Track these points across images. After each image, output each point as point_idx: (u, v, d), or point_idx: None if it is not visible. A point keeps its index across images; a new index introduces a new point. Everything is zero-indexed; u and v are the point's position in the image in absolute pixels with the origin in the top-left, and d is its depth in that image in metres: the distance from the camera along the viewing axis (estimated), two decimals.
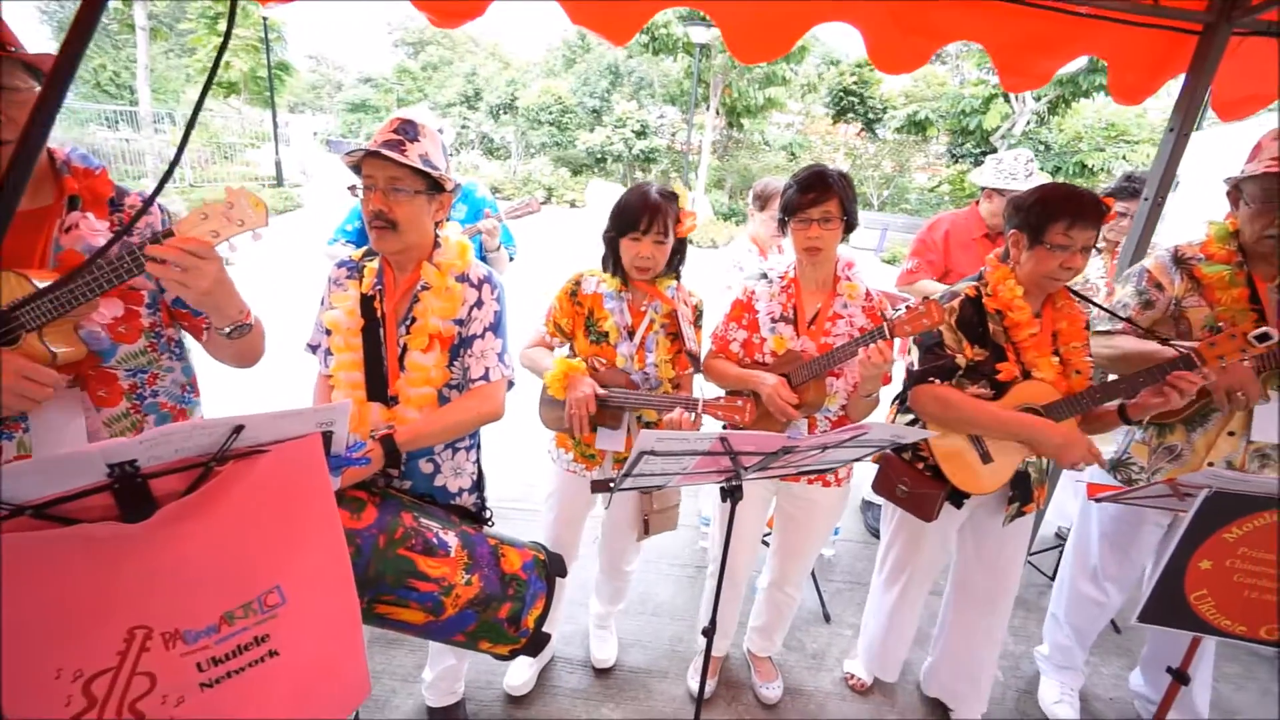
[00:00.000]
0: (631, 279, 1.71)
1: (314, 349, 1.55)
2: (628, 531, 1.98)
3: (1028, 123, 14.92)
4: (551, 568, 1.49)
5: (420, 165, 1.33)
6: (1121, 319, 1.75)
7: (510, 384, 1.52)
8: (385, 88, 30.11)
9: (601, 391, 1.64)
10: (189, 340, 1.41)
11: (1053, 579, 2.93)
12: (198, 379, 1.43)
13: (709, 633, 1.36)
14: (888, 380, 1.73)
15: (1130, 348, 1.72)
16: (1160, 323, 1.76)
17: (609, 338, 1.72)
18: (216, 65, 0.70)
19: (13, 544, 0.76)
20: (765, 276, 1.80)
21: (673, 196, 1.66)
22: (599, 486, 1.20)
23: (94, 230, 1.19)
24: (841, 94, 20.11)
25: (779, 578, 2.03)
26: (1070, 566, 2.12)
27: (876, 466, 1.83)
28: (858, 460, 1.34)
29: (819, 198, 1.61)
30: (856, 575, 2.87)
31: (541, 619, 1.43)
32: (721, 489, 1.22)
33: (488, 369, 1.44)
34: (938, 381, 1.60)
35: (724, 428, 1.56)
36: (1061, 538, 3.14)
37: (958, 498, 1.72)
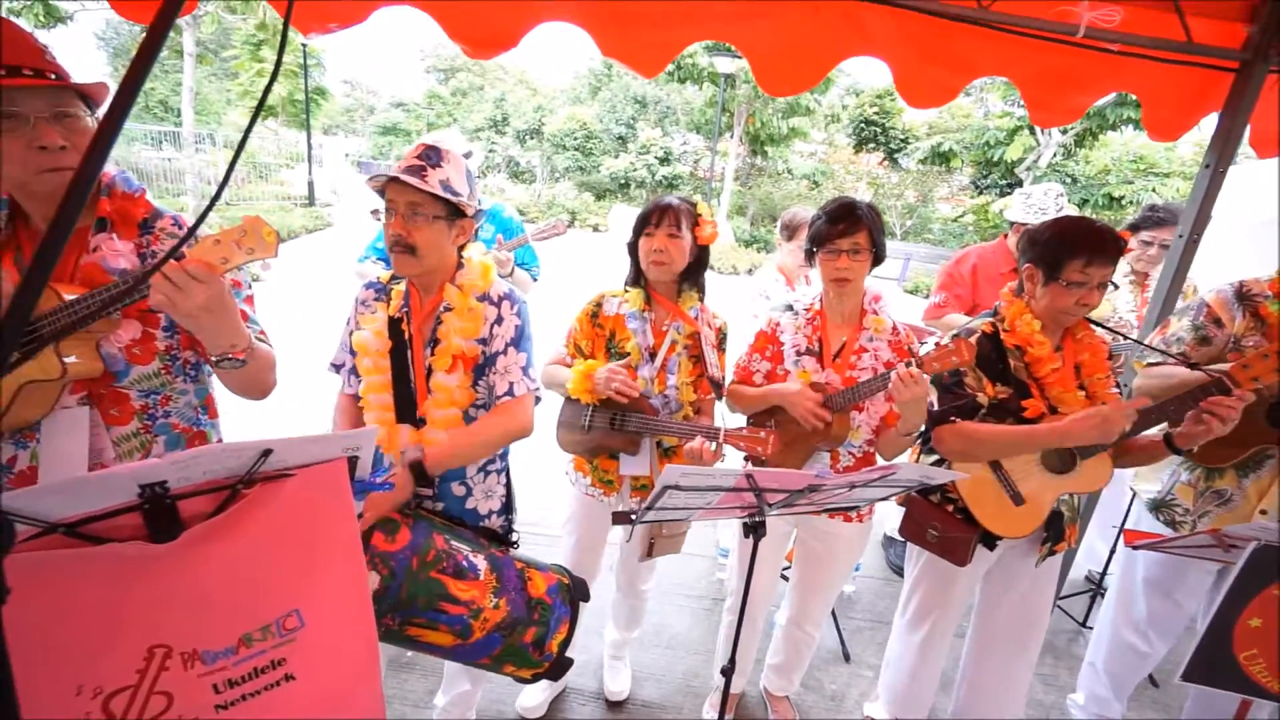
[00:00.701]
0: (653, 294, 1.72)
1: (337, 368, 1.56)
2: (639, 550, 1.96)
3: (1054, 155, 14.84)
4: (575, 592, 1.47)
5: (440, 191, 1.34)
6: (1173, 356, 1.68)
7: (538, 399, 1.52)
8: (416, 112, 30.97)
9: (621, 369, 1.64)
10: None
11: (1083, 624, 2.82)
12: (215, 400, 1.45)
13: (727, 672, 1.32)
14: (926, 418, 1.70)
15: (1185, 376, 1.65)
16: (1216, 361, 1.69)
17: (630, 359, 1.72)
18: (265, 95, 0.72)
19: (43, 561, 0.77)
20: (790, 308, 1.79)
21: (691, 202, 1.70)
22: (620, 518, 1.19)
23: (115, 252, 1.21)
24: (864, 124, 20.23)
25: (798, 614, 1.98)
26: (1112, 611, 2.03)
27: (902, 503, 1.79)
28: (883, 499, 1.31)
29: (849, 229, 1.61)
30: (878, 614, 2.79)
31: (565, 644, 1.40)
32: (744, 524, 1.19)
33: (512, 384, 1.43)
34: (959, 421, 1.57)
35: (745, 459, 1.54)
36: (1092, 581, 3.03)
37: (990, 540, 1.67)
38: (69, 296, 1.12)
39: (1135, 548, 1.42)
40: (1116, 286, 1.77)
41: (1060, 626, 2.82)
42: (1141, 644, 1.95)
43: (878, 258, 1.66)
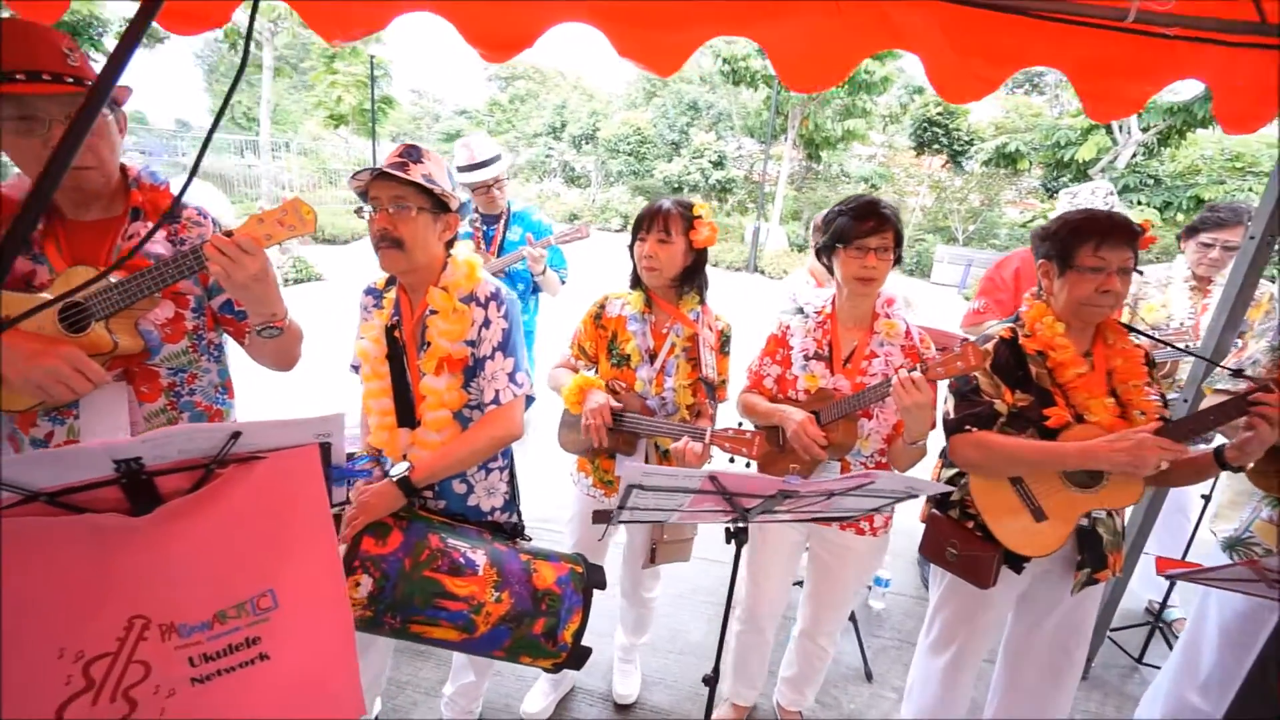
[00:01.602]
0: (654, 296, 1.71)
1: (356, 369, 1.62)
2: (642, 558, 1.93)
3: (1133, 155, 13.85)
4: (589, 579, 1.46)
5: (422, 182, 1.35)
6: (1247, 378, 1.50)
7: (530, 399, 1.52)
8: (477, 119, 31.94)
9: (616, 405, 1.62)
10: (228, 347, 1.52)
11: (1139, 660, 2.60)
12: (233, 383, 1.53)
13: (710, 681, 1.28)
14: (934, 425, 1.61)
15: None
16: None
17: (630, 361, 1.70)
18: (230, 95, 0.75)
19: (28, 526, 0.82)
20: (801, 310, 1.73)
21: (686, 205, 1.67)
22: (600, 517, 1.17)
23: (153, 239, 1.31)
24: (926, 125, 19.49)
25: (810, 627, 1.91)
26: (1175, 669, 1.82)
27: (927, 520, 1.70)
28: (874, 510, 1.24)
29: (877, 226, 1.55)
30: (907, 633, 2.66)
31: (579, 633, 1.40)
32: (727, 530, 1.15)
33: (498, 391, 1.44)
34: (975, 430, 1.47)
35: (730, 461, 1.50)
36: (1151, 613, 2.79)
37: (1016, 561, 1.56)
38: (114, 279, 1.20)
39: (1167, 576, 1.29)
40: (1141, 273, 1.63)
41: (1113, 661, 2.62)
42: (1205, 706, 1.73)
43: (897, 259, 1.59)
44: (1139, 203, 13.86)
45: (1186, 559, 2.59)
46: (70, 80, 1.15)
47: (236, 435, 0.88)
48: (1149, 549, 2.39)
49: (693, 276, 1.74)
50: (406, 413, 1.48)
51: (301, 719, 1.01)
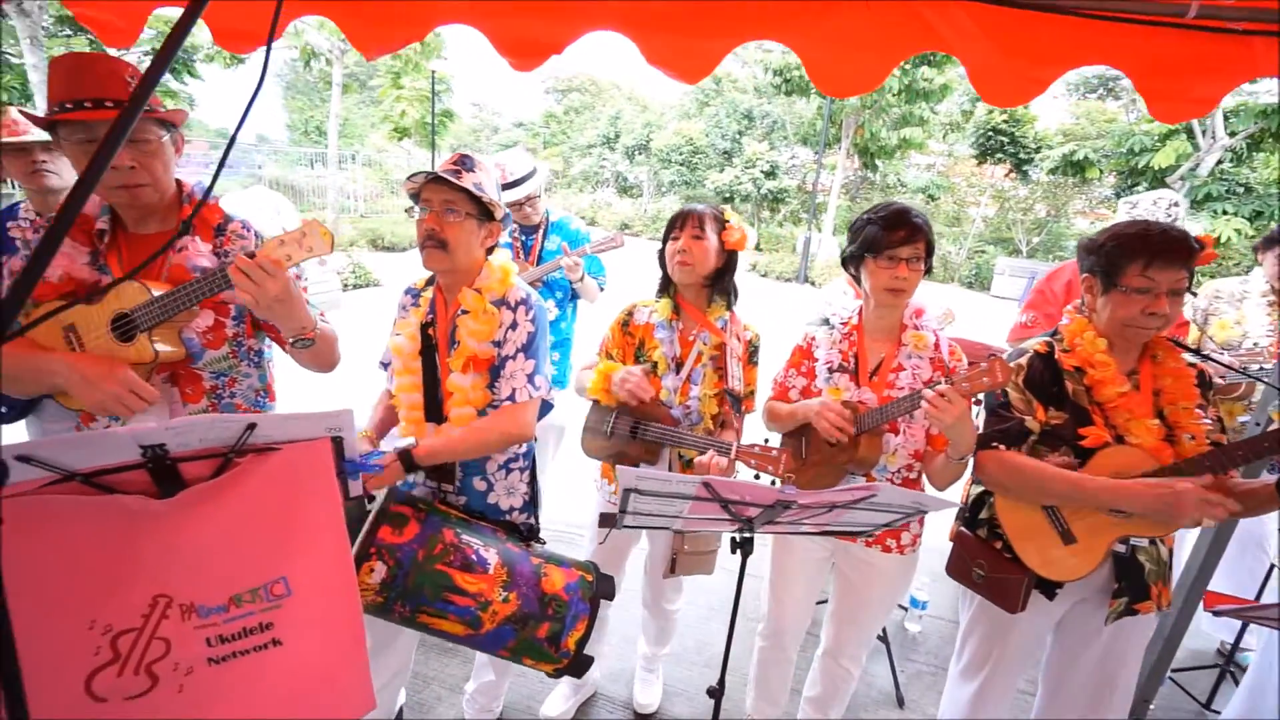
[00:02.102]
0: (682, 304, 1.71)
1: (385, 366, 1.68)
2: (663, 567, 1.91)
3: (1218, 161, 12.89)
4: (598, 589, 1.47)
5: (473, 190, 1.43)
6: None
7: (547, 405, 1.54)
8: (534, 131, 32.74)
9: (647, 368, 1.64)
10: (274, 353, 1.61)
11: (1206, 706, 2.40)
12: (275, 387, 1.62)
13: (714, 693, 1.25)
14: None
15: None
16: None
17: (657, 369, 1.70)
18: (250, 105, 0.80)
19: (67, 504, 0.89)
20: (827, 322, 1.69)
21: (718, 209, 1.70)
22: (605, 520, 1.17)
23: (199, 252, 1.42)
24: (989, 133, 18.73)
25: (834, 646, 1.85)
26: (1238, 712, 1.72)
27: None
28: (888, 526, 1.19)
29: (910, 236, 1.51)
30: (944, 659, 2.54)
31: (583, 641, 1.41)
32: (731, 540, 1.13)
33: (515, 390, 1.48)
34: (1003, 447, 1.39)
35: (755, 478, 1.47)
36: (1223, 654, 2.57)
37: (1048, 587, 1.47)
38: (156, 292, 1.31)
39: (1215, 613, 1.19)
40: (1195, 294, 1.52)
41: (1179, 705, 2.42)
42: None
43: (928, 270, 1.54)
44: (1224, 212, 12.90)
45: (1261, 599, 2.38)
46: None
47: (252, 426, 0.93)
48: (1219, 585, 2.21)
49: (723, 279, 1.74)
50: (434, 408, 1.54)
51: (312, 708, 1.05)
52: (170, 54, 0.71)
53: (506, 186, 2.50)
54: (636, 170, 25.06)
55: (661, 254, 1.74)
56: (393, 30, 1.71)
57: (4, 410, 1.70)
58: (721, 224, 1.67)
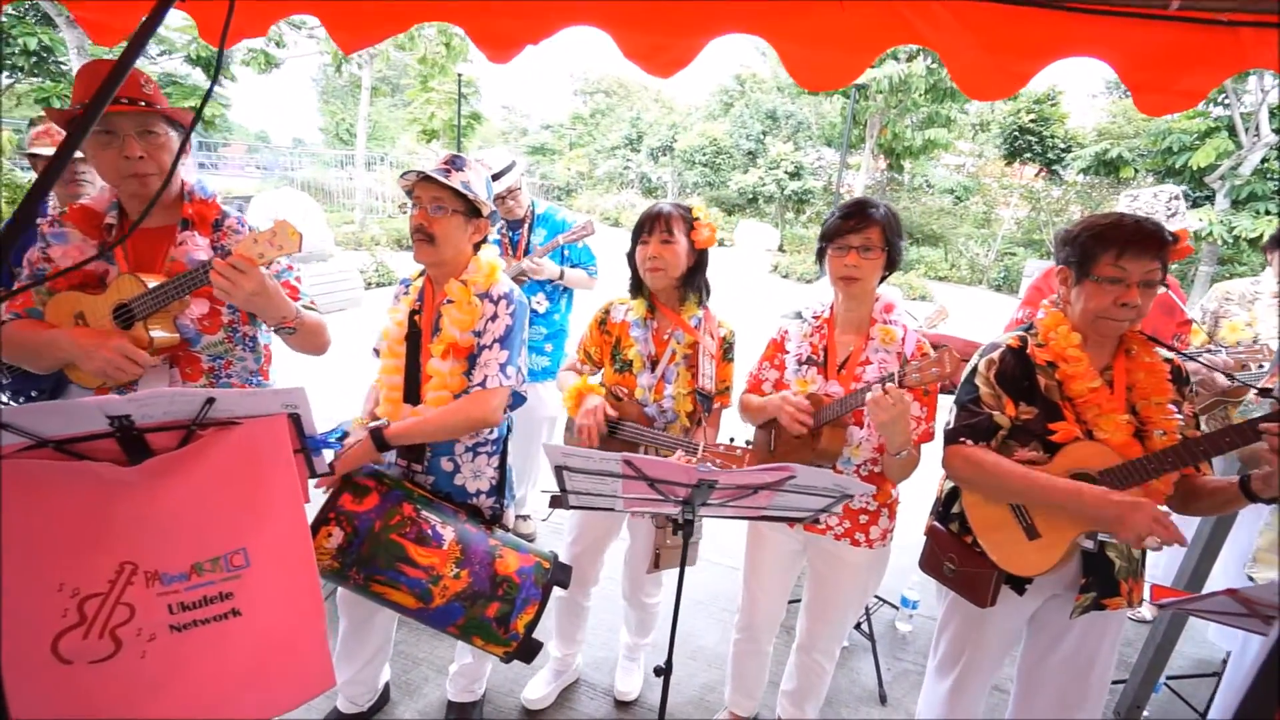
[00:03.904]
0: (656, 303, 1.73)
1: (377, 353, 1.76)
2: (645, 562, 1.94)
3: (1263, 159, 12.35)
4: (554, 576, 1.51)
5: (460, 188, 1.50)
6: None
7: (519, 397, 1.60)
8: (560, 132, 32.99)
9: (612, 413, 1.65)
10: (269, 338, 1.71)
11: (1202, 715, 2.33)
12: (268, 368, 1.71)
13: (661, 671, 1.28)
14: (928, 437, 1.55)
15: None
16: None
17: (633, 367, 1.74)
18: (202, 107, 0.86)
19: (39, 468, 0.96)
20: (799, 315, 1.71)
21: (686, 208, 1.72)
22: (554, 501, 1.21)
23: (197, 246, 1.52)
24: (1019, 133, 18.28)
25: (807, 640, 1.86)
26: (1219, 713, 1.68)
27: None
28: (825, 511, 1.21)
29: (860, 224, 1.53)
30: None
31: (532, 625, 1.45)
32: (673, 522, 1.16)
33: (486, 376, 1.54)
34: (970, 442, 1.39)
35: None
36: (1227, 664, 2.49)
37: (1018, 582, 1.46)
38: (151, 284, 1.40)
39: (1160, 605, 1.17)
40: (1168, 288, 1.49)
41: (1172, 711, 2.36)
42: None
43: (891, 261, 1.55)
44: (1267, 212, 12.37)
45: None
46: (142, 104, 1.38)
47: (211, 400, 0.99)
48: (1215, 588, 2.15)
49: (694, 278, 1.77)
50: (413, 390, 1.61)
51: (271, 680, 1.09)
52: (140, 45, 0.77)
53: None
54: (660, 171, 25.08)
55: (631, 255, 1.77)
56: (372, 25, 1.77)
57: (34, 394, 1.83)
58: (689, 224, 1.70)
